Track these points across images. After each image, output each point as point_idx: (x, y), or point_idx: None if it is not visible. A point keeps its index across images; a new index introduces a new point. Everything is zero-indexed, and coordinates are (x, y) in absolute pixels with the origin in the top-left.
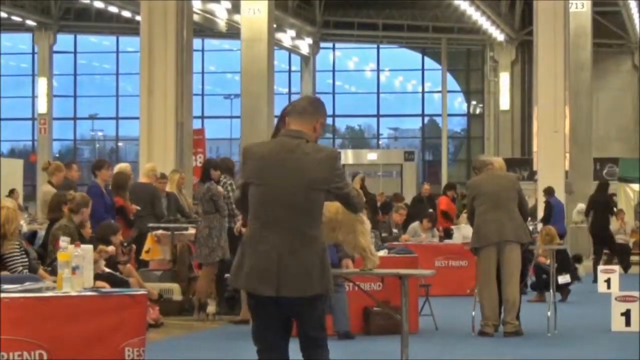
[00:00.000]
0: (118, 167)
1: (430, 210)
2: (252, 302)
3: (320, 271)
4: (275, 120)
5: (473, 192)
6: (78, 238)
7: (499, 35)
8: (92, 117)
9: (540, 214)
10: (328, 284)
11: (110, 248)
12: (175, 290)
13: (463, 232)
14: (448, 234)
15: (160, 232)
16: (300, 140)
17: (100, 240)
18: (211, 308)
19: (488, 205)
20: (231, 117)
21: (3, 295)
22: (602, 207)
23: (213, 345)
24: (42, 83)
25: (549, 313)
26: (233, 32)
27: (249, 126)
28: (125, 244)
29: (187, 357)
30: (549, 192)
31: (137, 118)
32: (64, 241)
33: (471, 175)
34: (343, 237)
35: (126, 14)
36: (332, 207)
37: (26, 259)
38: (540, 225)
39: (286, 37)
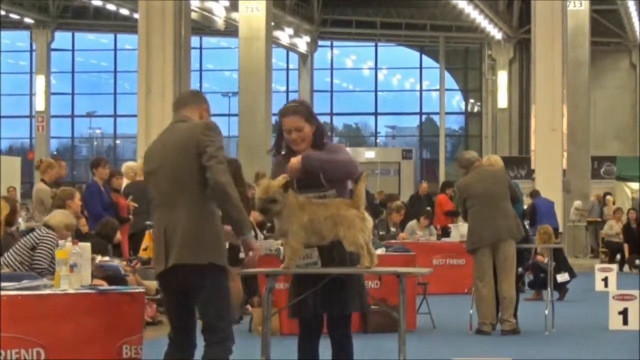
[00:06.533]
0: (125, 166)
1: (428, 208)
2: (160, 284)
3: (208, 240)
4: (273, 118)
5: (464, 194)
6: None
7: (497, 34)
8: (90, 115)
9: None
10: (217, 255)
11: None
12: None
13: (461, 230)
14: (446, 232)
15: None
16: (179, 123)
17: (102, 237)
18: None
19: (480, 206)
20: (229, 114)
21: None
22: None
23: None
24: (40, 81)
25: (546, 311)
26: (231, 30)
27: (246, 124)
28: (131, 258)
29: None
30: (534, 195)
31: (135, 115)
32: None
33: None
34: (343, 233)
35: (124, 11)
36: (333, 203)
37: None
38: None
39: (284, 35)
